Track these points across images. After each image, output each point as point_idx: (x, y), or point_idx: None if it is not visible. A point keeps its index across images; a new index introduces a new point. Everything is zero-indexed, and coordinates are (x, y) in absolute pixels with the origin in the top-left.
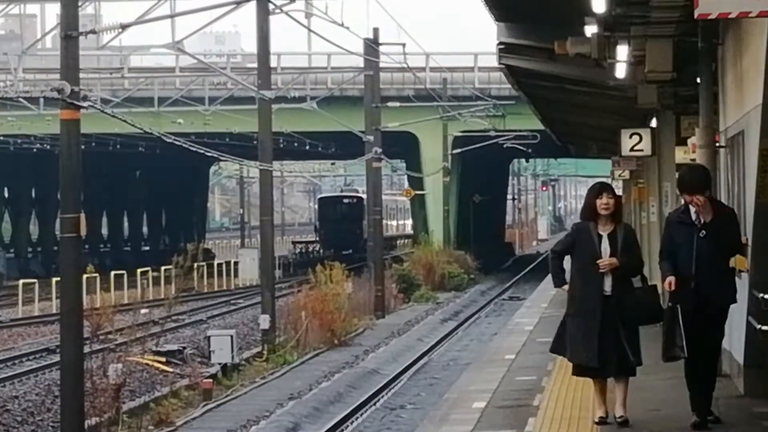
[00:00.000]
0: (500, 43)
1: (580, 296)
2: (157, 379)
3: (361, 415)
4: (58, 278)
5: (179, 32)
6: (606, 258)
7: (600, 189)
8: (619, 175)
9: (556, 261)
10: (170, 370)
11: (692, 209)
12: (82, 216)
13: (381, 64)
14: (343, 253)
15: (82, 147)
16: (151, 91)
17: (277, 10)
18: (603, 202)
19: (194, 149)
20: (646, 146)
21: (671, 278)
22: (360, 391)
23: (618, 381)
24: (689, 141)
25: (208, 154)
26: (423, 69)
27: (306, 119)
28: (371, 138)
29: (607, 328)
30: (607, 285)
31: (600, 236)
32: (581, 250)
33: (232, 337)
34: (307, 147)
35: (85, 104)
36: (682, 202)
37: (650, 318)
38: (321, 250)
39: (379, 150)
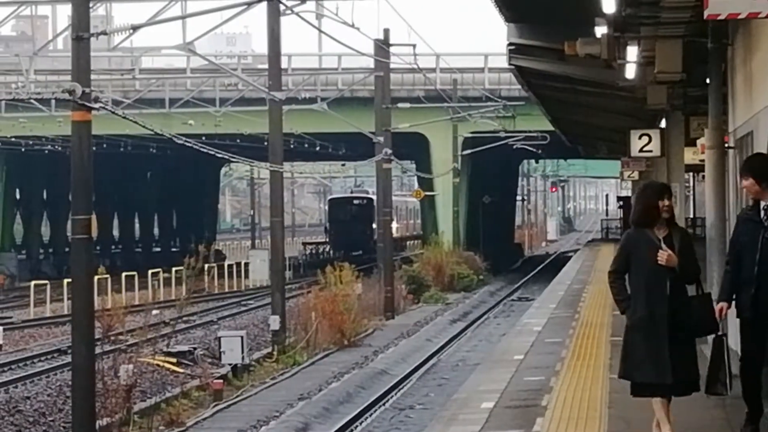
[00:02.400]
0: (510, 44)
1: (640, 308)
2: (167, 379)
3: (371, 415)
4: (70, 279)
5: (190, 33)
6: (667, 253)
7: (662, 190)
8: (629, 176)
9: (617, 282)
10: (181, 370)
11: (762, 204)
12: (94, 217)
13: (391, 65)
14: (353, 254)
15: (94, 148)
16: (162, 92)
17: (288, 11)
18: (666, 205)
19: (205, 150)
20: (655, 147)
21: (723, 305)
22: (369, 392)
23: (664, 398)
24: (698, 142)
25: (219, 155)
26: (433, 70)
27: (316, 120)
28: (381, 139)
29: (663, 343)
30: (665, 295)
31: (659, 240)
32: (640, 259)
33: (242, 337)
34: (318, 148)
35: (96, 105)
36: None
37: (706, 330)
38: (331, 251)
39: (389, 151)
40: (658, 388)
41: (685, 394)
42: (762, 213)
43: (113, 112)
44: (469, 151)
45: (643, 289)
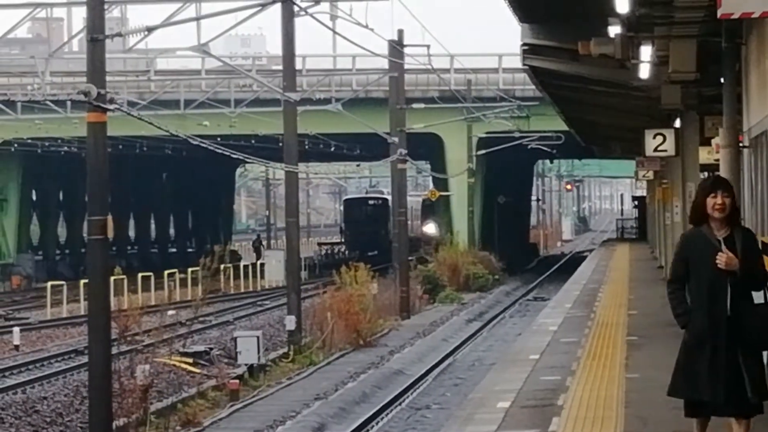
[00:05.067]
0: (524, 44)
1: (700, 318)
2: (184, 380)
3: (387, 415)
4: (86, 280)
5: (205, 35)
6: (726, 255)
7: (713, 185)
8: (643, 176)
9: (676, 294)
10: (197, 371)
11: None
12: (110, 218)
13: (405, 66)
14: (368, 254)
15: (109, 149)
16: (177, 93)
17: (302, 12)
18: (718, 203)
19: (220, 151)
20: (669, 146)
21: None
22: (385, 392)
23: (737, 420)
24: (713, 141)
25: (234, 156)
26: (447, 70)
27: (331, 121)
28: (396, 139)
29: (727, 357)
30: (727, 303)
31: (719, 242)
32: (698, 262)
33: (258, 338)
34: (332, 149)
35: (111, 107)
36: None
37: None
38: (346, 252)
39: (404, 151)
40: (714, 407)
41: (749, 416)
42: None
43: (128, 114)
44: (483, 152)
45: (703, 296)
